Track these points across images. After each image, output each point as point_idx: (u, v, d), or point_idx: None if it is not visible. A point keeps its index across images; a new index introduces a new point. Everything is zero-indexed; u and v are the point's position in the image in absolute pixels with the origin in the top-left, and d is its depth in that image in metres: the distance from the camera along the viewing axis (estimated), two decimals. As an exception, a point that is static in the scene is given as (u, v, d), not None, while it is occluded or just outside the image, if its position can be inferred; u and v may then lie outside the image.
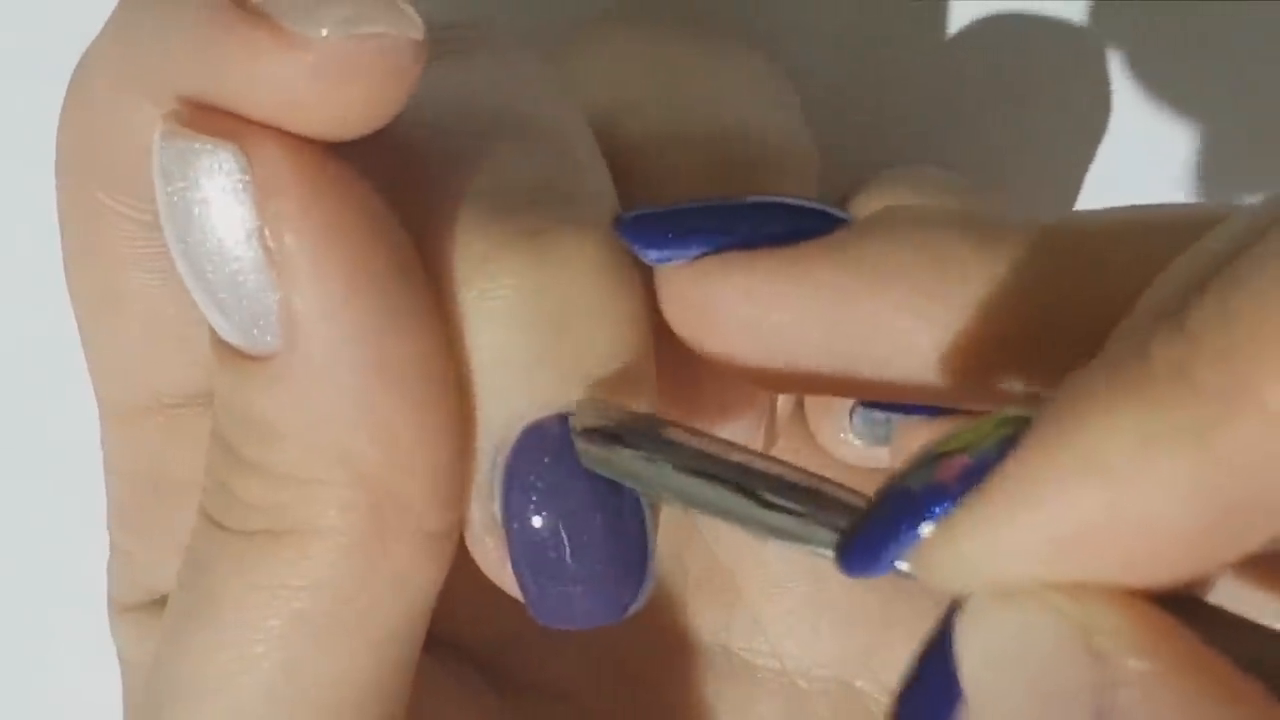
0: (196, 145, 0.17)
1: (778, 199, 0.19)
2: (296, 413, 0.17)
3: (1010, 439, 0.14)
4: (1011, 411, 0.15)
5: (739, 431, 0.21)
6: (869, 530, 0.15)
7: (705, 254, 0.18)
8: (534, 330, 0.18)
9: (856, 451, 0.22)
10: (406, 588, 0.18)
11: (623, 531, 0.18)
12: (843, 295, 0.17)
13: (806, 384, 0.18)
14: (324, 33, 0.16)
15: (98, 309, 0.20)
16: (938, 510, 0.14)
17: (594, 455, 0.18)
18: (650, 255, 0.18)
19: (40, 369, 0.29)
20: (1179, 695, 0.13)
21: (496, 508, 0.18)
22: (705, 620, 0.24)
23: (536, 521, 0.18)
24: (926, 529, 0.15)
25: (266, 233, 0.17)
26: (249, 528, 0.18)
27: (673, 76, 0.23)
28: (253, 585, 0.18)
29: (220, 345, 0.18)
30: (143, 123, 0.18)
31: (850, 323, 0.17)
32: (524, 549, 0.18)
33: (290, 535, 0.18)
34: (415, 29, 0.17)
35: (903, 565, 0.15)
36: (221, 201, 0.17)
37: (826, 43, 0.27)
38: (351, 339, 0.17)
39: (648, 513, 0.18)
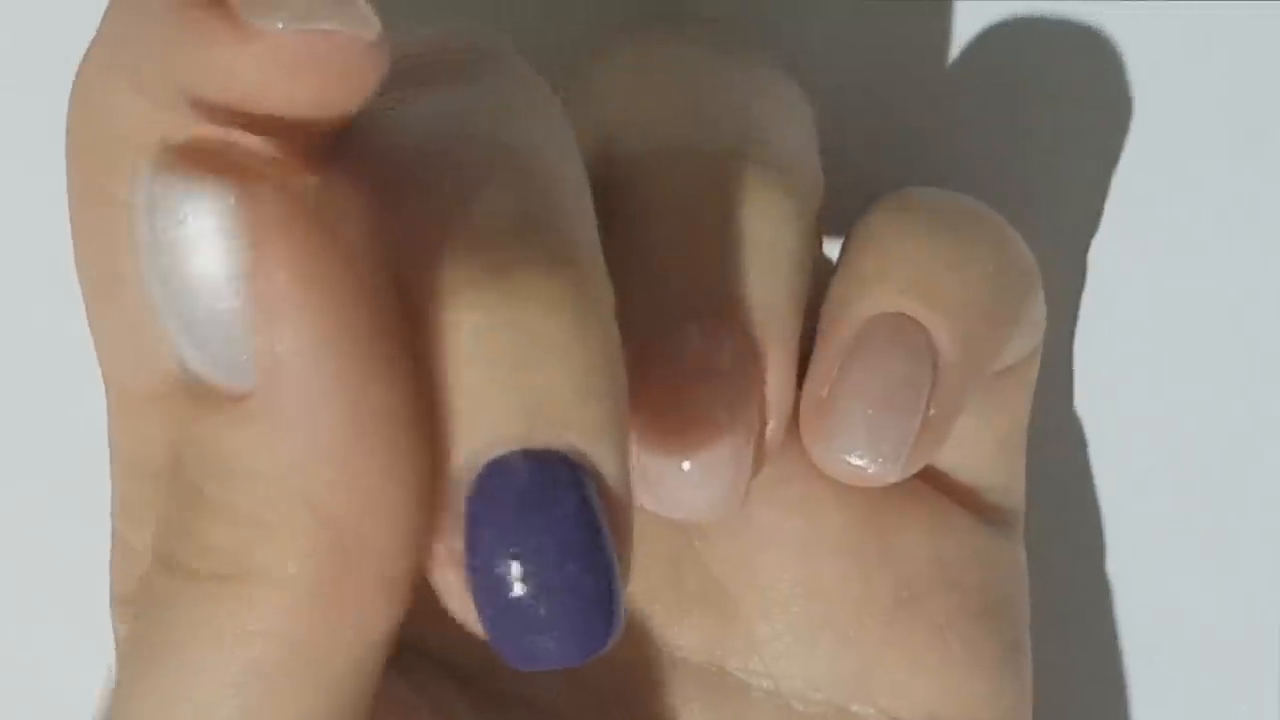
0: (186, 183, 0.17)
1: None
2: (266, 454, 0.17)
3: None
4: None
5: (725, 454, 0.21)
6: None
7: None
8: (495, 366, 0.18)
9: (857, 473, 0.22)
10: (365, 631, 0.18)
11: (589, 574, 0.18)
12: None
13: None
14: (278, 26, 0.17)
15: (100, 292, 0.20)
16: None
17: None
18: None
19: (43, 366, 0.29)
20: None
21: (459, 543, 0.18)
22: (698, 637, 0.24)
23: (497, 560, 0.18)
24: None
25: (252, 274, 0.17)
26: (207, 570, 0.18)
27: (685, 90, 0.23)
28: (209, 630, 0.18)
29: (190, 377, 0.18)
30: (128, 111, 0.18)
31: None
32: (485, 588, 0.18)
33: (250, 579, 0.18)
34: (370, 29, 0.17)
35: None
36: (208, 241, 0.17)
37: (830, 50, 0.27)
38: (330, 384, 0.17)
39: (616, 556, 0.18)
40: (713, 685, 0.24)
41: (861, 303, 0.22)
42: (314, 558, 0.17)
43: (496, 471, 0.18)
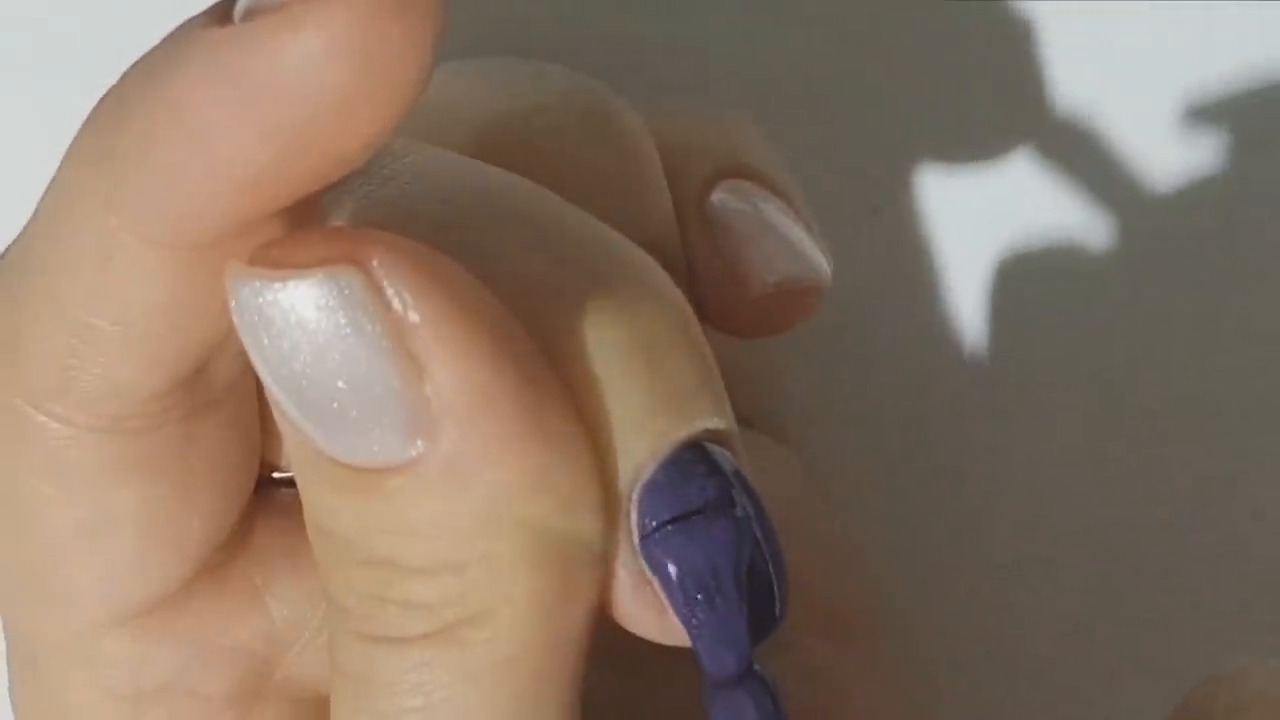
0: (302, 281, 0.16)
1: None
2: (459, 501, 0.17)
3: None
4: None
5: None
6: None
7: None
8: (630, 378, 0.18)
9: None
10: (591, 610, 0.18)
11: (774, 536, 0.18)
12: None
13: None
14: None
15: (69, 544, 0.19)
16: None
17: None
18: None
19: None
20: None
21: (637, 552, 0.18)
22: None
23: (687, 561, 0.18)
24: None
25: (400, 339, 0.16)
26: (436, 625, 0.17)
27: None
28: (466, 676, 0.17)
29: (345, 470, 0.17)
30: (147, 273, 0.17)
31: None
32: (685, 588, 0.18)
33: (485, 613, 0.17)
34: None
35: None
36: (344, 327, 0.16)
37: (823, 36, 0.27)
38: (502, 408, 0.17)
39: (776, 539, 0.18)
40: None
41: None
42: (542, 567, 0.17)
43: (662, 475, 0.18)
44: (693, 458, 0.18)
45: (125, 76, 0.17)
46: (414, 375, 0.16)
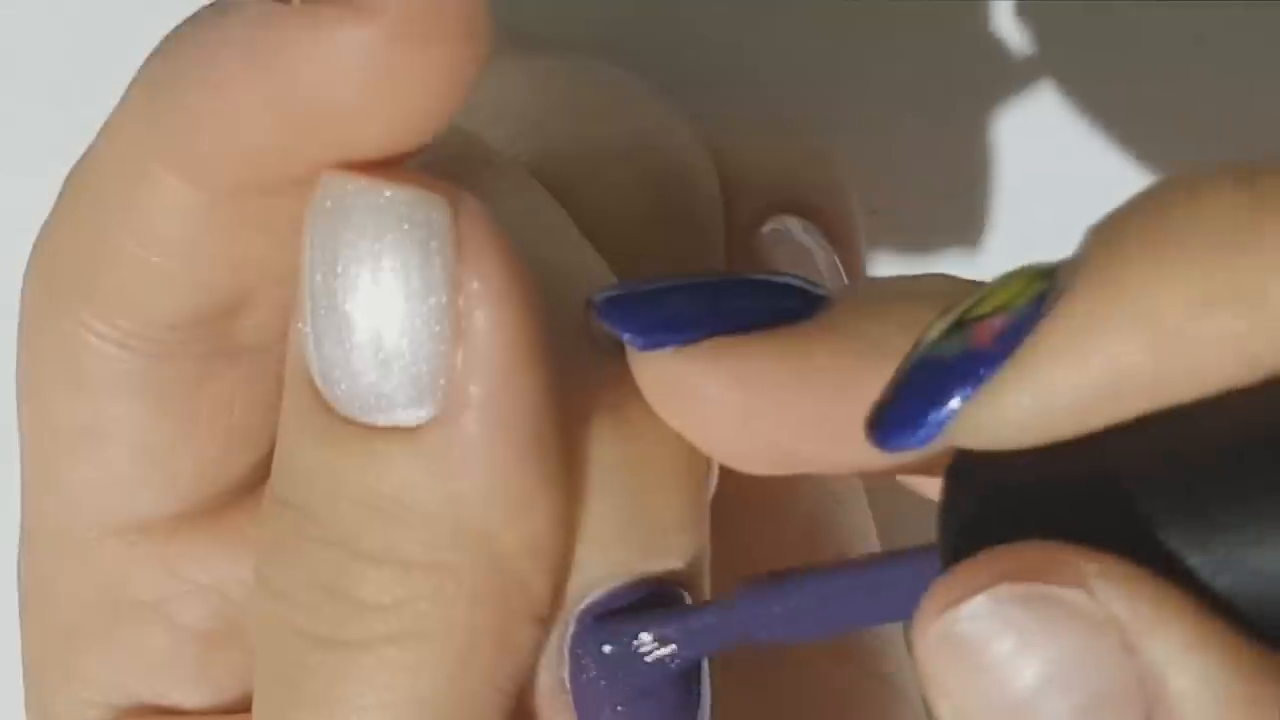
0: (387, 197, 0.16)
1: (755, 276, 0.18)
2: (440, 488, 0.17)
3: (1043, 295, 0.14)
4: (1036, 267, 0.15)
5: None
6: (903, 399, 0.15)
7: (691, 339, 0.17)
8: (618, 499, 0.18)
9: None
10: (520, 673, 0.18)
11: (696, 683, 0.18)
12: (841, 379, 0.17)
13: (796, 464, 0.18)
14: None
15: (72, 443, 0.19)
16: (981, 372, 0.14)
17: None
18: (637, 342, 0.18)
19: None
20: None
21: (565, 674, 0.18)
22: None
23: (603, 700, 0.18)
24: (967, 392, 0.15)
25: (455, 296, 0.16)
26: (371, 634, 0.17)
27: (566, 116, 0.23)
28: (383, 704, 0.17)
29: (338, 422, 0.17)
30: (169, 204, 0.17)
31: (850, 404, 0.16)
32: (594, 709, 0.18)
33: (420, 637, 0.17)
34: None
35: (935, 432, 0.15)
36: (405, 261, 0.16)
37: (812, 47, 0.27)
38: (516, 412, 0.16)
39: (708, 690, 0.18)
40: None
41: None
42: (484, 598, 0.17)
43: (609, 599, 0.18)
44: (643, 595, 0.18)
45: (189, 18, 0.17)
46: (455, 334, 0.16)
